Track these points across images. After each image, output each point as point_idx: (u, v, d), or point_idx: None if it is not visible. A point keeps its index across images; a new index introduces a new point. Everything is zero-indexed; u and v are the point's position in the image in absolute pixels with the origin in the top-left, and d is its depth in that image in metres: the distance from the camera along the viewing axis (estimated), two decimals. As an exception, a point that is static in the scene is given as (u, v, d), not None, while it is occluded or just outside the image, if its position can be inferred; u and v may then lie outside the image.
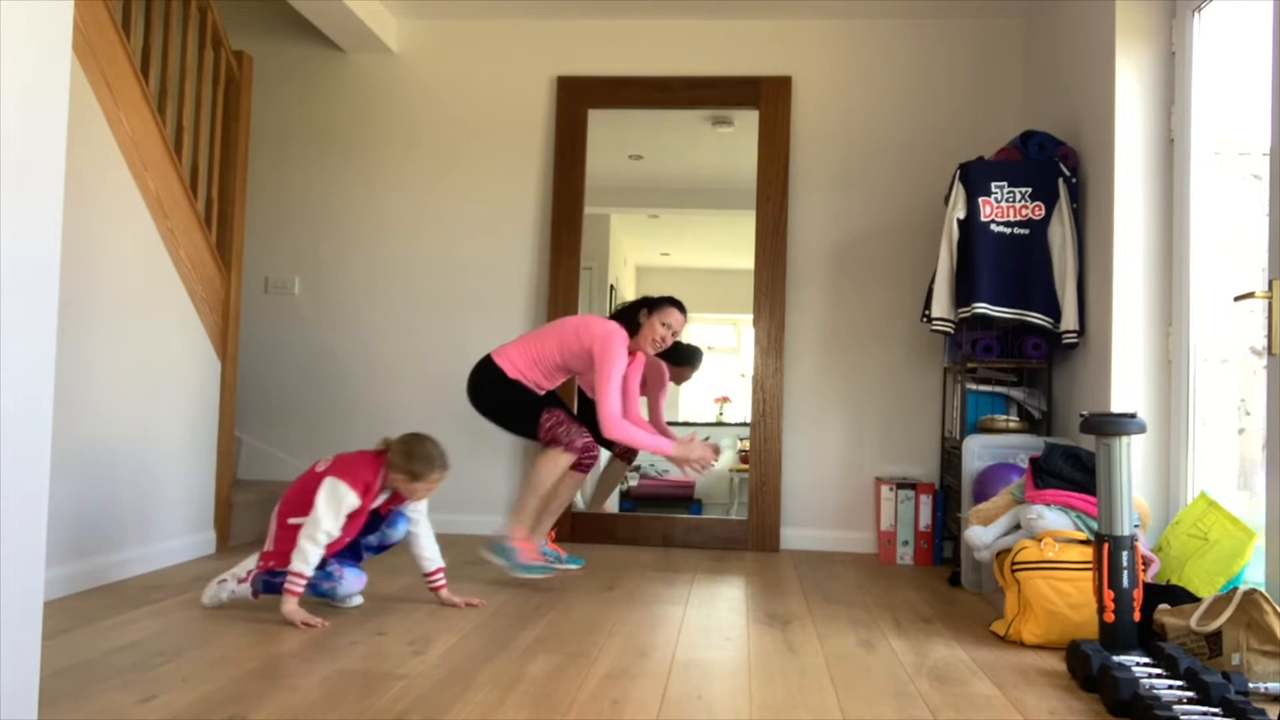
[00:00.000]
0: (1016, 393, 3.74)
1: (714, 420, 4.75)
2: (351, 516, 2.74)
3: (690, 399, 4.78)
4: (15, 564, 1.58)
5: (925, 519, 4.02)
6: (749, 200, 4.40)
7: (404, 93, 4.65)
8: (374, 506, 2.82)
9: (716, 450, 3.35)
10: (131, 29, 3.22)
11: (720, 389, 4.78)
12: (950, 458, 3.99)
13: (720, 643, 2.61)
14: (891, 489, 4.05)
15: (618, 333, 3.34)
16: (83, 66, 2.97)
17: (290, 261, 4.66)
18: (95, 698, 2.00)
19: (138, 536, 3.32)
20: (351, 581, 2.82)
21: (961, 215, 3.55)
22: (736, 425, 4.56)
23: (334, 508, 2.67)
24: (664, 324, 3.46)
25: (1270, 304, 2.47)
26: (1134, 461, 2.75)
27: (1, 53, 1.54)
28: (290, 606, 2.62)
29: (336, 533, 2.69)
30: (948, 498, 4.00)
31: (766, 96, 4.43)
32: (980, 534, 3.01)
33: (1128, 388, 3.17)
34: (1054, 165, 3.51)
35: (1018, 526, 2.97)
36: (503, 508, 4.46)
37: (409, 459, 2.77)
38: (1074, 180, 3.50)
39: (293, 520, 2.73)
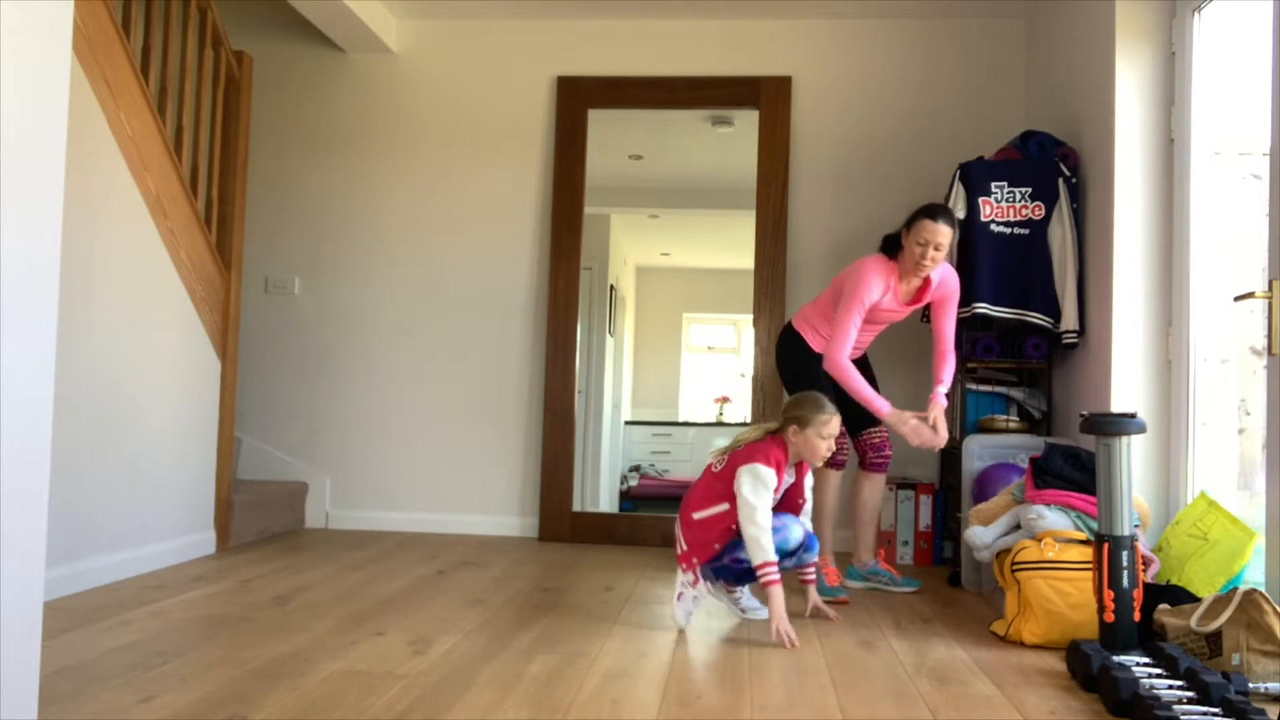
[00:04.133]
0: (1016, 393, 3.74)
1: (714, 420, 4.75)
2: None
3: (690, 399, 4.78)
4: (15, 564, 1.58)
5: (925, 519, 4.01)
6: (749, 200, 4.40)
7: (404, 93, 4.65)
8: (784, 486, 2.81)
9: (928, 427, 3.12)
10: (131, 29, 3.22)
11: (720, 389, 4.79)
12: (950, 458, 3.98)
13: (720, 643, 2.61)
14: (891, 489, 4.05)
15: (867, 261, 3.18)
16: (83, 66, 2.97)
17: (290, 261, 4.66)
18: (95, 698, 2.00)
19: (137, 536, 3.32)
20: (794, 527, 2.79)
21: (961, 215, 3.54)
22: (736, 425, 4.56)
23: (759, 490, 2.67)
24: (919, 243, 3.07)
25: (1270, 304, 2.47)
26: (1134, 461, 2.75)
27: (1, 53, 1.54)
28: (779, 608, 2.62)
29: (769, 514, 2.68)
30: (948, 498, 4.00)
31: (766, 96, 4.42)
32: (980, 534, 3.01)
33: (1128, 388, 3.17)
34: (1054, 165, 3.51)
35: (1018, 526, 2.97)
36: (503, 508, 4.47)
37: (797, 406, 2.80)
38: (1074, 180, 3.50)
39: (698, 515, 2.77)
